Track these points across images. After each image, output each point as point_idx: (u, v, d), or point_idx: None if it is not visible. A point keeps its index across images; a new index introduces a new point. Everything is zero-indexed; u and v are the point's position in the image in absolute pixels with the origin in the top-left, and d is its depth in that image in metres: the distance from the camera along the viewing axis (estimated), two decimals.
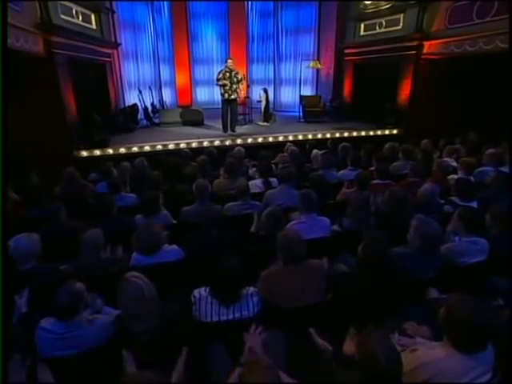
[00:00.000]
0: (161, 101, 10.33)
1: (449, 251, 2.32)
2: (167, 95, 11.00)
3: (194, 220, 3.06)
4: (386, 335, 1.39)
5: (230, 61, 7.01)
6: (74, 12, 5.85)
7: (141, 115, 8.83)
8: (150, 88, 9.65)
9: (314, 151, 5.34)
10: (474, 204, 3.11)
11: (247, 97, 8.61)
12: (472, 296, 1.42)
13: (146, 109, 8.73)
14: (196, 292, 2.01)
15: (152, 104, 9.58)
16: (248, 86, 8.49)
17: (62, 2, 5.49)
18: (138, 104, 8.81)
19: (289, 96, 11.17)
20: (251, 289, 2.00)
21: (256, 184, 4.07)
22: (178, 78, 11.55)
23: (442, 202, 3.25)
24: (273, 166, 4.91)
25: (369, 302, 2.02)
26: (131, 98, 9.12)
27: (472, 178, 3.99)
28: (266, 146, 6.56)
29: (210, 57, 11.93)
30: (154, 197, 3.12)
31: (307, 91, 10.68)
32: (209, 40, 11.92)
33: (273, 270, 2.05)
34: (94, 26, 6.71)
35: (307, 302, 1.98)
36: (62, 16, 5.45)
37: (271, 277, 2.03)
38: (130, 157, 5.78)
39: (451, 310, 1.43)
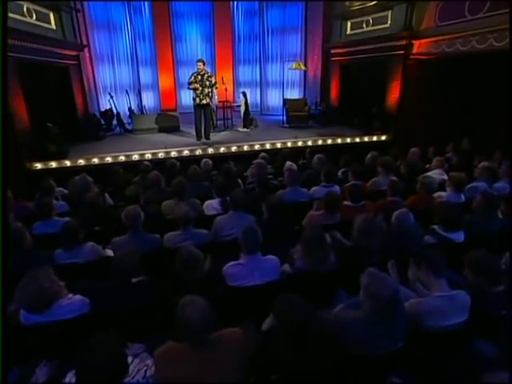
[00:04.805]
0: (140, 105, 9.81)
1: (416, 310, 1.75)
2: (150, 99, 10.54)
3: None
4: None
5: (199, 63, 6.45)
6: (24, 10, 5.29)
7: (115, 121, 8.30)
8: (126, 92, 9.13)
9: (288, 163, 4.78)
10: (461, 235, 2.58)
11: (227, 101, 8.05)
12: None
13: (117, 114, 8.20)
14: (68, 376, 1.47)
15: (129, 109, 9.06)
16: (226, 90, 7.92)
17: None
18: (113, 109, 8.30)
19: (275, 99, 10.72)
20: (141, 373, 1.45)
21: (212, 205, 3.52)
22: (161, 81, 11.09)
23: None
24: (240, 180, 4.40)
25: None
26: (106, 103, 8.60)
27: (463, 196, 3.50)
28: (239, 155, 6.03)
29: (195, 58, 11.23)
30: (73, 227, 2.59)
31: (295, 94, 10.21)
32: (193, 41, 11.51)
33: (170, 347, 1.49)
34: (53, 26, 6.14)
35: None
36: (8, 14, 4.88)
37: (168, 356, 1.48)
38: (92, 169, 5.36)
39: None
